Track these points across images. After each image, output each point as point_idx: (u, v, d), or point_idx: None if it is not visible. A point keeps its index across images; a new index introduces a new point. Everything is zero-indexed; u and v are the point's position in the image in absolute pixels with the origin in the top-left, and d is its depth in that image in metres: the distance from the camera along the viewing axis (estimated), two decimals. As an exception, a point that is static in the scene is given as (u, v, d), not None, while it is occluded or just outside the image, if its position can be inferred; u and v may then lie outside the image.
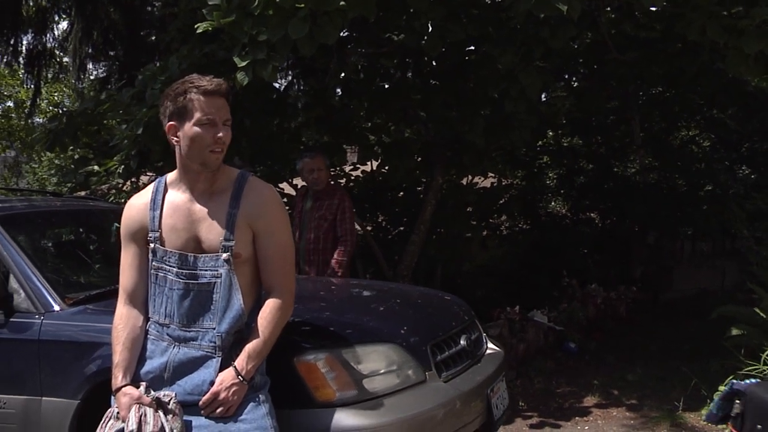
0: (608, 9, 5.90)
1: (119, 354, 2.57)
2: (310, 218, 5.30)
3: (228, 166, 2.64)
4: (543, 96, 8.36)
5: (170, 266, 2.55)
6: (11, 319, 3.34)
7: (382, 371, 2.96)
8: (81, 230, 5.06)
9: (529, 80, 5.34)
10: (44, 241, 4.68)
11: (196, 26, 4.43)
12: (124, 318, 2.62)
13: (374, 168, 7.63)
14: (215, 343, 2.51)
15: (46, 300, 3.35)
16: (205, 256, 2.52)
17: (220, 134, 2.47)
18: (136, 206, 2.67)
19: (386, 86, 6.86)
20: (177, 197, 2.60)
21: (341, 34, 5.15)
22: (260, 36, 4.16)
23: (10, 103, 16.13)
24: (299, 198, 5.55)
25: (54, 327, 3.25)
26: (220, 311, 2.50)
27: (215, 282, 2.51)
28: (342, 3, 4.00)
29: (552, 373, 6.07)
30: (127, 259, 2.66)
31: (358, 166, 7.60)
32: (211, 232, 2.53)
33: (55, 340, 3.22)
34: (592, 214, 10.22)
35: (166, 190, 2.63)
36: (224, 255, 2.49)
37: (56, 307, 3.32)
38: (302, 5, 4.01)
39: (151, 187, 2.69)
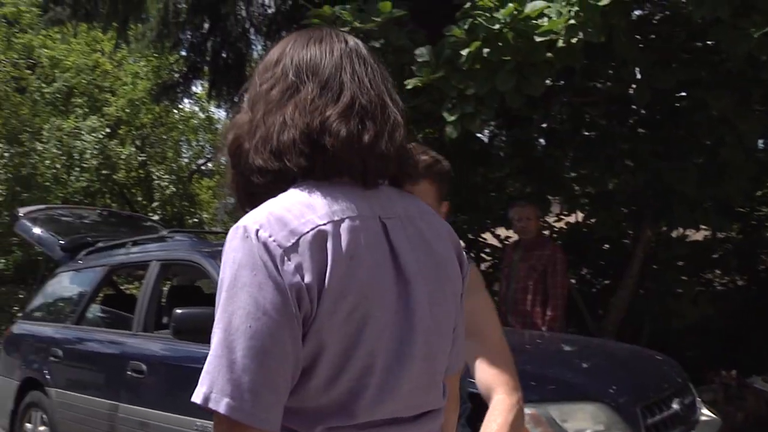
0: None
1: None
2: (519, 269, 5.27)
3: None
4: (762, 142, 7.79)
5: None
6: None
7: (588, 431, 2.86)
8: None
9: (747, 126, 5.02)
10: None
11: (405, 82, 4.61)
12: None
13: (579, 219, 7.45)
14: None
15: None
16: None
17: None
18: None
19: (592, 135, 6.73)
20: None
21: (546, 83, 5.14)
22: (468, 90, 4.25)
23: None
24: (510, 249, 5.59)
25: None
26: None
27: None
28: (549, 54, 4.00)
29: (776, 447, 5.54)
30: None
31: (562, 217, 7.47)
32: None
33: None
34: (821, 272, 9.30)
35: None
36: None
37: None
38: (509, 58, 4.06)
39: None
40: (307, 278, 1.09)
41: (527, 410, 2.78)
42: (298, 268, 1.09)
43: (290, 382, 1.10)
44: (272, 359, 1.07)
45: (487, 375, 2.03)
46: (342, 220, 1.14)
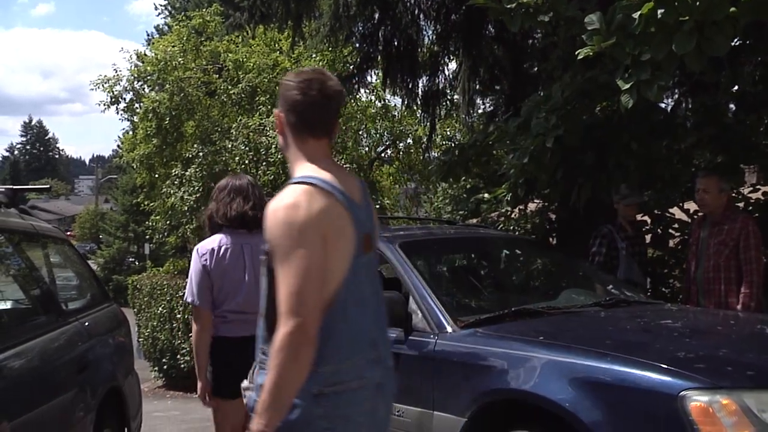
0: None
1: None
2: (707, 245, 4.96)
3: None
4: None
5: None
6: (410, 337, 3.64)
7: (792, 424, 2.58)
8: (472, 256, 5.33)
9: None
10: (439, 266, 5.02)
11: (576, 52, 4.43)
12: None
13: (777, 189, 6.86)
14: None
15: (440, 321, 3.58)
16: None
17: None
18: None
19: (790, 96, 6.15)
20: None
21: (732, 43, 4.73)
22: (643, 55, 4.00)
23: (409, 140, 17.70)
24: (696, 225, 5.26)
25: (446, 347, 3.46)
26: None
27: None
28: (732, 9, 3.68)
29: None
30: None
31: (758, 187, 6.90)
32: None
33: (447, 360, 3.43)
34: None
35: None
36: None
37: (449, 329, 3.53)
38: (687, 17, 3.78)
39: None
40: (207, 262, 3.69)
41: (718, 397, 2.57)
42: (205, 259, 3.70)
43: (210, 293, 3.69)
44: (200, 284, 3.69)
45: None
46: (224, 244, 3.72)
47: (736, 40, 5.07)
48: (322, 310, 2.11)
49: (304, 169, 2.26)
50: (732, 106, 6.65)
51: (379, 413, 2.30)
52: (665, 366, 2.73)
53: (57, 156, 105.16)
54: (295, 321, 2.01)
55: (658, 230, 6.79)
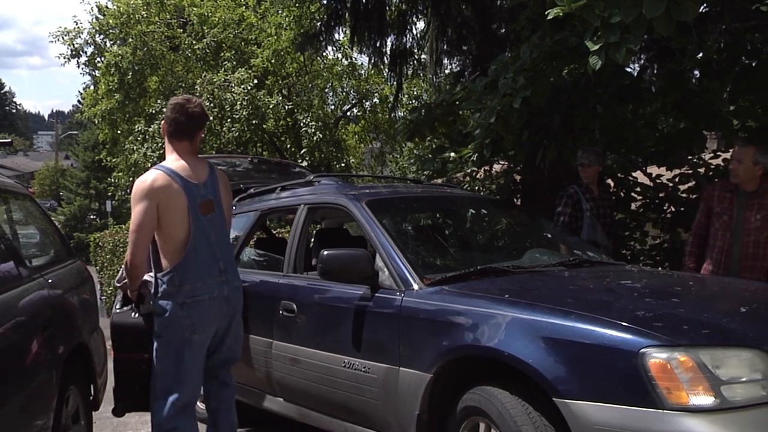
0: None
1: None
2: (745, 219, 4.72)
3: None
4: None
5: None
6: (376, 294, 3.67)
7: (743, 379, 2.68)
8: (438, 215, 5.36)
9: None
10: (405, 224, 5.04)
11: (546, 12, 4.42)
12: None
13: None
14: None
15: (407, 279, 3.61)
16: None
17: None
18: None
19: (753, 64, 6.22)
20: None
21: (701, 9, 4.76)
22: (613, 18, 4.01)
23: (376, 100, 17.61)
24: (715, 189, 4.96)
25: (413, 304, 3.49)
26: None
27: None
28: (703, -25, 3.70)
29: None
30: None
31: (719, 153, 7.02)
32: None
33: (413, 317, 3.47)
34: None
35: None
36: None
37: (415, 286, 3.56)
38: (658, -19, 3.79)
39: None
40: None
41: (675, 354, 2.65)
42: None
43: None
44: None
45: None
46: None
47: (703, 6, 5.10)
48: (174, 249, 3.67)
49: (167, 159, 3.77)
50: (696, 72, 6.71)
51: (224, 313, 3.79)
52: (626, 324, 2.79)
53: (14, 111, 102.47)
54: (130, 251, 3.68)
55: (621, 193, 6.88)
